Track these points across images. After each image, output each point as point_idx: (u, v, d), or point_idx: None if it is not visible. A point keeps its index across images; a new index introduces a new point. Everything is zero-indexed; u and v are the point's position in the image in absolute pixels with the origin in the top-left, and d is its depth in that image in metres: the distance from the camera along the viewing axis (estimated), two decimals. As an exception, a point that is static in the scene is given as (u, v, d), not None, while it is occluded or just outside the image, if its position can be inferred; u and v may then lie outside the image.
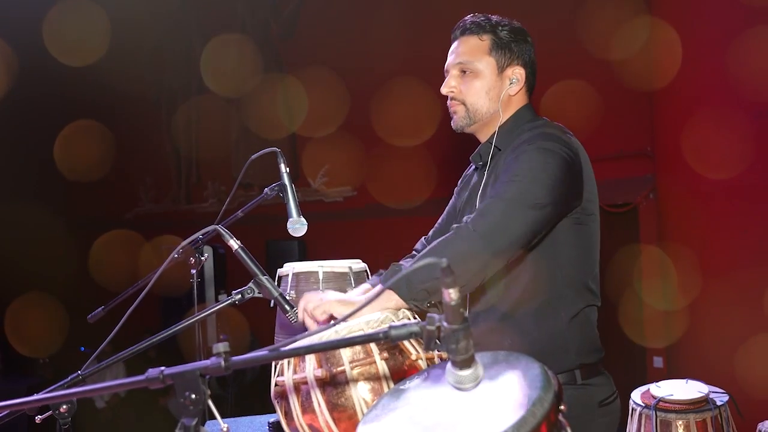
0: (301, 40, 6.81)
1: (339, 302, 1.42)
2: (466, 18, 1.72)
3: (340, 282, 1.84)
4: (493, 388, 0.97)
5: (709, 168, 3.62)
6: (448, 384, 0.97)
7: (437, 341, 0.92)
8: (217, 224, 1.59)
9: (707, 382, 2.51)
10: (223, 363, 0.92)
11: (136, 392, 5.78)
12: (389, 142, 5.61)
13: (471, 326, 0.90)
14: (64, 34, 7.02)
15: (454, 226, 1.47)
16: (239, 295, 1.52)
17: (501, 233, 1.41)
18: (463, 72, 1.69)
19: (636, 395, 2.52)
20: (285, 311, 1.50)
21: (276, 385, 1.36)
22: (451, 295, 0.90)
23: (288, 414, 1.33)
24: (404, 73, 5.19)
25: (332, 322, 1.16)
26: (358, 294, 1.63)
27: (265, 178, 2.12)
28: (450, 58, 1.72)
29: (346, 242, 5.98)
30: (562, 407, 0.95)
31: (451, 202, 1.93)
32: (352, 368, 1.26)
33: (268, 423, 2.06)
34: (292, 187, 1.77)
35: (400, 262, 1.57)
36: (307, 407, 1.28)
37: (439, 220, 1.93)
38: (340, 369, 1.26)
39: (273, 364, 1.36)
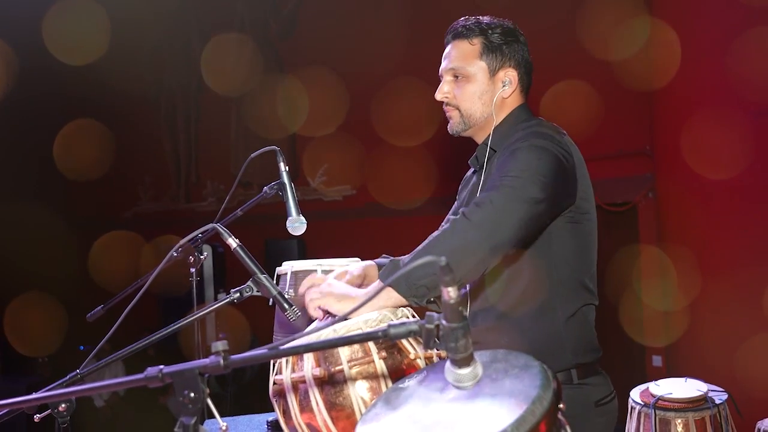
0: (300, 39, 6.81)
1: (337, 299, 1.42)
2: (457, 21, 1.72)
3: (340, 281, 1.83)
4: (493, 387, 0.97)
5: (708, 167, 3.63)
6: (448, 382, 0.97)
7: (436, 340, 0.92)
8: (216, 223, 1.59)
9: (706, 381, 2.51)
10: (222, 361, 0.92)
11: (135, 391, 5.78)
12: (389, 141, 5.61)
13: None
14: (64, 33, 7.01)
15: (450, 217, 1.47)
16: (238, 294, 1.52)
17: (497, 225, 1.41)
18: (456, 77, 1.69)
19: (635, 394, 2.52)
20: (284, 310, 1.50)
21: (274, 383, 1.36)
22: (450, 293, 0.90)
23: (286, 413, 1.33)
24: (404, 73, 5.19)
25: (331, 319, 1.16)
26: (357, 269, 1.62)
27: (265, 177, 2.12)
28: (443, 63, 1.72)
29: (345, 241, 5.97)
30: (561, 406, 0.95)
31: (454, 205, 1.93)
32: (350, 367, 1.26)
33: (267, 422, 2.06)
34: (291, 185, 1.76)
35: (399, 258, 1.56)
36: (305, 406, 1.28)
37: (442, 224, 1.93)
38: (338, 368, 1.26)
39: (271, 362, 1.36)
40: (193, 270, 1.92)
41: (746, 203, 3.62)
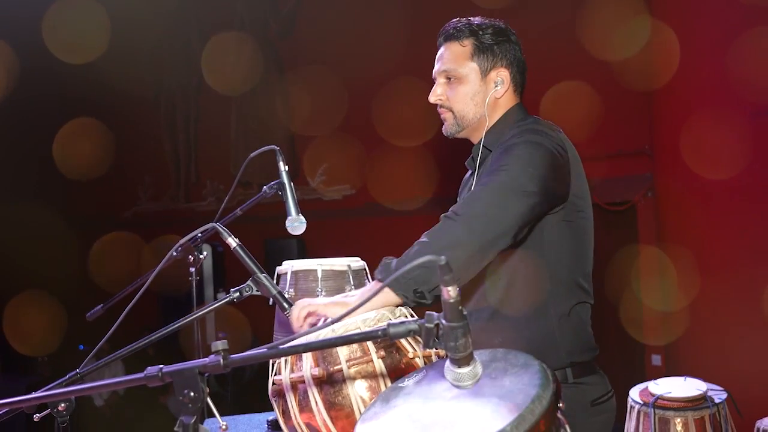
0: (300, 38, 6.81)
1: (333, 303, 1.42)
2: (449, 23, 1.72)
3: (339, 280, 1.83)
4: (492, 386, 0.97)
5: (707, 167, 3.63)
6: (447, 382, 0.97)
7: (436, 339, 0.92)
8: (216, 222, 1.60)
9: (706, 380, 2.51)
10: (221, 361, 0.92)
11: (135, 390, 5.78)
12: (388, 141, 5.61)
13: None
14: (64, 32, 7.01)
15: (442, 215, 1.47)
16: (237, 293, 1.52)
17: (488, 220, 1.40)
18: (449, 79, 1.69)
19: (634, 393, 2.53)
20: (283, 309, 1.50)
21: (273, 383, 1.36)
22: (450, 292, 0.90)
23: (285, 413, 1.33)
24: (404, 73, 5.18)
25: (328, 320, 1.16)
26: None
27: (264, 177, 2.12)
28: (436, 66, 1.73)
29: (345, 241, 5.97)
30: (560, 405, 0.95)
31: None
32: (349, 367, 1.26)
33: (267, 421, 2.06)
34: (291, 185, 1.77)
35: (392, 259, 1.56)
36: (304, 406, 1.28)
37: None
38: (337, 367, 1.26)
39: (271, 362, 1.36)
40: (192, 269, 1.92)
41: (745, 202, 3.63)
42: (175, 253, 1.63)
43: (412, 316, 1.41)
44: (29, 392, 1.13)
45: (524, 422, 0.87)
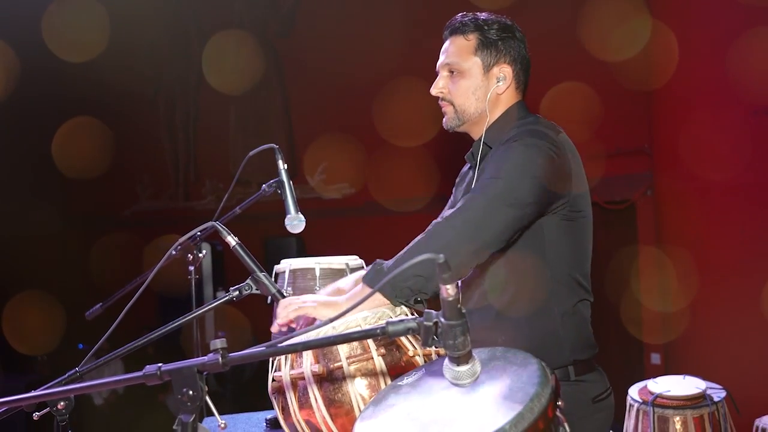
0: (299, 37, 6.80)
1: (322, 305, 1.42)
2: (455, 17, 1.72)
3: (337, 279, 1.83)
4: (491, 384, 0.97)
5: (706, 166, 3.64)
6: (446, 380, 0.97)
7: (435, 337, 0.92)
8: (215, 221, 1.60)
9: (705, 378, 2.51)
10: (220, 359, 0.92)
11: (134, 389, 5.77)
12: (388, 140, 5.61)
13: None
14: (63, 30, 7.00)
15: (432, 221, 1.48)
16: (236, 292, 1.52)
17: (479, 229, 1.42)
18: (451, 72, 1.69)
19: (633, 391, 2.53)
20: (283, 308, 1.50)
21: (273, 380, 1.36)
22: (449, 291, 0.90)
23: (285, 410, 1.33)
24: (404, 73, 5.18)
25: (319, 322, 1.16)
26: (348, 284, 1.63)
27: (264, 175, 2.12)
28: (440, 59, 1.73)
29: (344, 240, 5.97)
30: (559, 403, 0.95)
31: (450, 200, 1.93)
32: (349, 364, 1.26)
33: (266, 419, 2.06)
34: (290, 183, 1.76)
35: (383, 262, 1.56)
36: (304, 403, 1.28)
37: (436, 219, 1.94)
38: (337, 365, 1.26)
39: (270, 359, 1.36)
40: (192, 268, 1.92)
41: (743, 200, 3.63)
42: (174, 252, 1.63)
43: (411, 314, 1.41)
44: (28, 391, 1.13)
45: (523, 420, 0.87)
